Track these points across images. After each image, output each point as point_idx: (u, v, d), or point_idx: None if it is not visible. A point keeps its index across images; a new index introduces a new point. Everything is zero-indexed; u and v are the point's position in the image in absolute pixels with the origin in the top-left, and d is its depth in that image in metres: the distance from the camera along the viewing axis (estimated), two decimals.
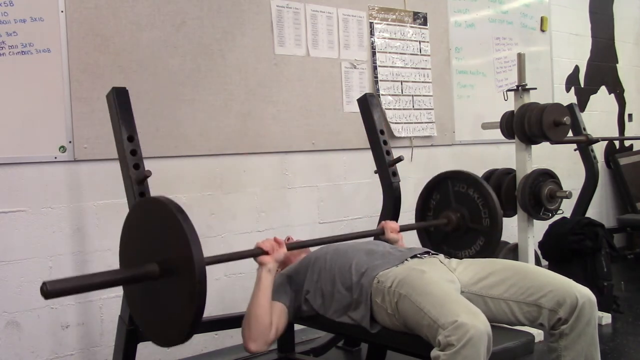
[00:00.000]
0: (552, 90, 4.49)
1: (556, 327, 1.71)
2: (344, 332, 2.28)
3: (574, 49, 4.74)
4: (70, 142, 2.44)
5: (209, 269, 2.91)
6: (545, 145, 3.14)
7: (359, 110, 2.74)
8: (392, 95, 3.48)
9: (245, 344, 1.86)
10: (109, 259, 2.52)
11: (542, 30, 4.44)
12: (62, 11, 2.42)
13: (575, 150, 3.75)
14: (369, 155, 2.71)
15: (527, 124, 2.90)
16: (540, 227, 3.29)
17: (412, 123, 3.55)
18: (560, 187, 2.97)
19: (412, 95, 3.58)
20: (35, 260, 2.38)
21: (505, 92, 3.11)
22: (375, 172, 2.66)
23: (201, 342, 2.78)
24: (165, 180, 2.59)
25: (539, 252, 3.34)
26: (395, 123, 3.47)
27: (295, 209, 3.11)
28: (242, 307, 2.53)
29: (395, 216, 2.60)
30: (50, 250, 2.40)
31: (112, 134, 2.05)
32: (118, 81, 2.45)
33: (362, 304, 1.83)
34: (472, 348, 1.47)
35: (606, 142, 4.91)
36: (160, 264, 1.48)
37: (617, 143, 5.13)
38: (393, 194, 2.58)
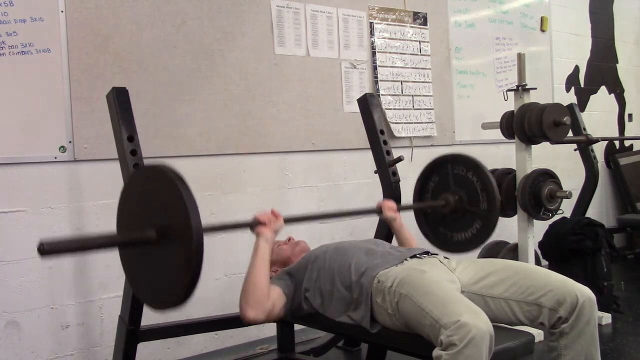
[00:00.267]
0: (552, 90, 4.49)
1: (556, 326, 1.71)
2: (344, 332, 2.28)
3: (574, 49, 4.74)
4: (70, 142, 2.44)
5: (210, 269, 2.92)
6: (545, 145, 3.14)
7: (359, 110, 2.74)
8: (392, 95, 3.49)
9: (242, 312, 1.87)
10: (109, 259, 2.52)
11: (542, 30, 4.44)
12: (62, 11, 2.42)
13: (575, 150, 3.75)
14: (369, 155, 2.70)
15: (527, 124, 2.90)
16: (540, 227, 3.29)
17: (412, 123, 3.55)
18: (560, 187, 2.97)
19: (412, 95, 3.58)
20: (35, 260, 2.38)
21: (505, 92, 3.11)
22: (375, 172, 2.66)
23: (201, 342, 2.78)
24: None
25: (539, 252, 3.34)
26: (395, 123, 3.47)
27: (295, 209, 3.11)
28: None
29: None
30: None
31: (112, 134, 2.05)
32: (118, 81, 2.44)
33: (362, 304, 1.83)
34: (474, 348, 1.47)
35: (606, 142, 4.91)
36: (157, 230, 1.47)
37: (617, 143, 5.13)
38: (393, 194, 2.58)
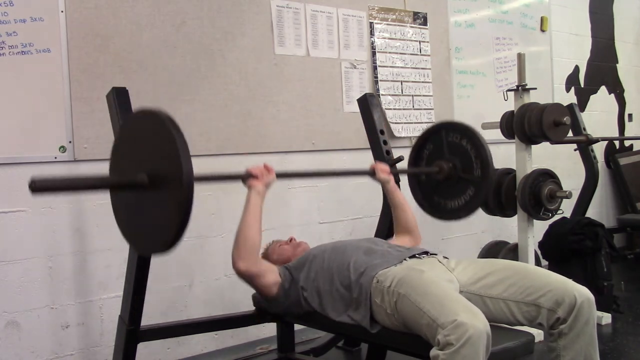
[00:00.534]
0: (552, 90, 4.49)
1: (555, 327, 1.71)
2: (343, 332, 2.28)
3: (574, 49, 4.74)
4: (70, 142, 2.44)
5: (209, 269, 2.92)
6: (545, 145, 3.14)
7: (359, 110, 2.74)
8: (392, 95, 3.49)
9: (233, 263, 1.90)
10: (109, 259, 2.52)
11: (542, 30, 4.44)
12: (62, 11, 2.42)
13: (575, 150, 3.75)
14: (369, 155, 2.70)
15: (527, 124, 2.90)
16: (540, 227, 3.29)
17: (412, 123, 3.55)
18: (560, 187, 2.97)
19: (412, 95, 3.58)
20: (35, 260, 2.38)
21: (505, 92, 3.11)
22: None
23: (201, 342, 2.78)
24: None
25: (539, 252, 3.34)
26: (395, 123, 3.47)
27: (295, 209, 3.11)
28: (242, 307, 2.54)
29: None
30: (50, 250, 2.40)
31: (112, 134, 2.05)
32: (118, 81, 2.44)
33: (362, 304, 1.83)
34: (471, 347, 1.47)
35: (606, 142, 4.91)
36: (149, 174, 1.47)
37: (617, 143, 5.13)
38: None
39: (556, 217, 3.17)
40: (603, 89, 5.00)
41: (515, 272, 1.83)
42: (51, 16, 2.40)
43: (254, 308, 2.29)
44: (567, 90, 4.67)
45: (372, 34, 3.42)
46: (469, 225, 3.92)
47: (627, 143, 5.19)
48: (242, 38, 2.92)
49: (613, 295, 3.27)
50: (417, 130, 3.57)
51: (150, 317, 2.46)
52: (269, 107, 3.00)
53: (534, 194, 2.92)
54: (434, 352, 1.53)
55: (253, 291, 2.31)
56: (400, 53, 3.54)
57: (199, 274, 2.79)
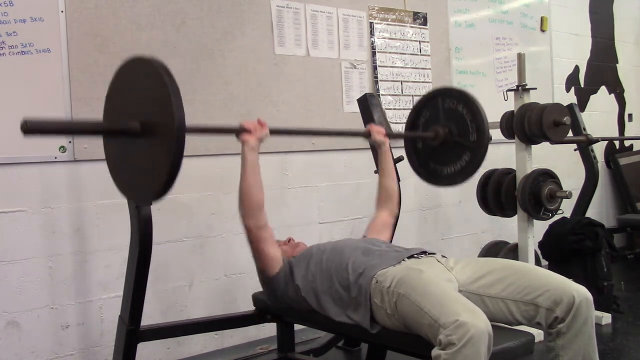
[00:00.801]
0: (552, 90, 4.49)
1: (553, 326, 1.71)
2: (343, 332, 2.28)
3: (574, 49, 4.74)
4: (70, 142, 2.44)
5: (209, 269, 2.92)
6: (545, 145, 3.14)
7: (359, 110, 2.74)
8: (392, 95, 3.49)
9: (242, 220, 1.93)
10: (109, 259, 2.52)
11: (542, 30, 4.44)
12: (62, 11, 2.42)
13: (575, 150, 3.75)
14: (368, 155, 2.70)
15: (527, 124, 2.90)
16: (540, 227, 3.29)
17: None
18: (560, 187, 2.97)
19: (412, 95, 3.58)
20: (35, 260, 2.38)
21: (505, 92, 3.11)
22: (375, 172, 2.65)
23: (201, 342, 2.78)
24: None
25: (539, 252, 3.34)
26: (395, 123, 3.47)
27: (295, 209, 3.11)
28: (242, 307, 2.54)
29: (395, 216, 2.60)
30: (50, 250, 2.41)
31: None
32: None
33: (362, 305, 1.83)
34: (473, 347, 1.47)
35: (606, 142, 4.91)
36: (142, 123, 1.48)
37: (617, 143, 5.13)
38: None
39: (556, 217, 3.17)
40: (603, 89, 5.00)
41: (513, 272, 1.83)
42: (51, 16, 2.40)
43: (254, 308, 2.29)
44: (567, 90, 4.67)
45: (372, 34, 3.42)
46: (469, 225, 3.92)
47: (627, 143, 5.20)
48: (242, 38, 2.92)
49: (613, 295, 3.27)
50: None
51: (150, 317, 2.46)
52: (269, 107, 3.00)
53: (534, 194, 2.92)
54: (435, 352, 1.53)
55: (253, 291, 2.31)
56: (400, 53, 3.55)
57: (199, 274, 2.79)
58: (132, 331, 2.00)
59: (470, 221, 3.90)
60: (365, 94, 2.71)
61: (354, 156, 3.32)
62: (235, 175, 2.90)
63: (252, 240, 1.99)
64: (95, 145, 2.46)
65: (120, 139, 1.56)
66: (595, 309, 1.77)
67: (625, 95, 5.21)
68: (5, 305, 2.32)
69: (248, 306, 2.32)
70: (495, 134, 3.16)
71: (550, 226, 3.39)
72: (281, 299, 2.06)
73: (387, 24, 3.50)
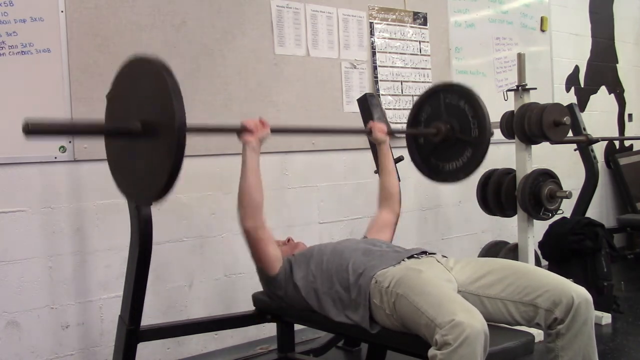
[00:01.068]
0: (552, 90, 4.49)
1: (553, 327, 1.71)
2: (343, 332, 2.28)
3: (574, 49, 4.74)
4: (70, 142, 2.44)
5: (209, 269, 2.91)
6: (545, 145, 3.14)
7: (359, 110, 2.74)
8: (392, 95, 3.49)
9: (241, 221, 1.92)
10: (108, 259, 2.52)
11: (542, 30, 4.44)
12: (62, 11, 2.42)
13: (575, 150, 3.75)
14: (369, 155, 2.70)
15: (527, 124, 2.90)
16: (540, 227, 3.29)
17: None
18: (560, 187, 2.97)
19: (412, 95, 3.58)
20: (35, 260, 2.38)
21: (505, 92, 3.11)
22: (375, 172, 2.66)
23: (201, 342, 2.78)
24: None
25: (539, 252, 3.34)
26: (396, 123, 3.47)
27: (295, 209, 3.11)
28: (242, 307, 2.54)
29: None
30: (50, 250, 2.41)
31: None
32: None
33: (361, 305, 1.83)
34: (469, 347, 1.47)
35: (606, 142, 4.91)
36: (143, 122, 1.47)
37: (617, 143, 5.13)
38: None
39: (556, 217, 3.17)
40: (603, 89, 5.00)
41: (513, 272, 1.83)
42: (51, 16, 2.40)
43: (254, 308, 2.29)
44: (567, 90, 4.67)
45: (372, 34, 3.42)
46: (469, 225, 3.92)
47: (627, 143, 5.19)
48: (242, 38, 2.92)
49: (613, 295, 3.27)
50: None
51: (150, 317, 2.46)
52: (269, 107, 3.00)
53: (534, 194, 2.92)
54: (431, 352, 1.53)
55: (253, 291, 2.31)
56: (400, 53, 3.55)
57: (199, 274, 2.79)
58: (132, 331, 2.01)
59: (470, 221, 3.90)
60: (365, 94, 2.71)
61: (354, 156, 3.32)
62: (235, 175, 2.90)
63: (251, 242, 1.99)
64: (95, 146, 2.47)
65: (122, 139, 1.55)
66: (595, 309, 1.77)
67: (625, 95, 5.20)
68: (5, 305, 2.32)
69: (248, 306, 2.32)
70: (495, 134, 3.17)
71: (550, 226, 3.39)
72: (282, 298, 2.06)
73: (387, 24, 3.50)
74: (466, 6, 3.93)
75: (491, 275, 1.84)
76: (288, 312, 2.16)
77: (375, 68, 3.41)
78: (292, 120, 3.08)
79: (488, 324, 1.55)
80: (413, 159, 2.55)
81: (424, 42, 3.67)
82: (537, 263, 3.20)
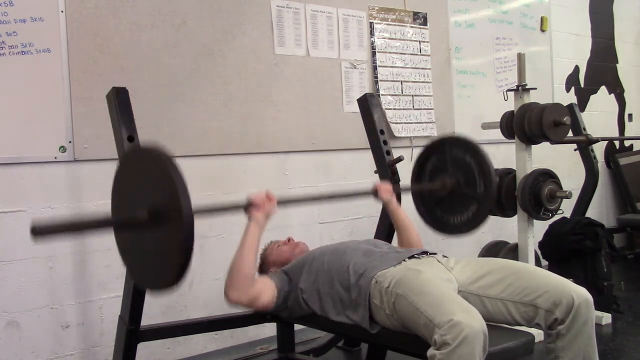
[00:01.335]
0: (552, 90, 4.49)
1: (553, 328, 1.71)
2: (343, 332, 2.28)
3: (574, 49, 4.74)
4: (70, 142, 2.44)
5: (209, 269, 2.91)
6: (545, 145, 3.14)
7: (359, 110, 2.74)
8: (392, 95, 3.49)
9: (225, 292, 1.88)
10: (108, 259, 2.52)
11: (542, 30, 4.44)
12: (62, 11, 2.42)
13: (575, 150, 3.75)
14: (369, 155, 2.70)
15: (527, 124, 2.90)
16: (540, 227, 3.29)
17: (412, 123, 3.55)
18: (560, 187, 2.97)
19: (412, 95, 3.58)
20: (35, 260, 2.38)
21: (505, 92, 3.11)
22: (375, 172, 2.66)
23: (201, 342, 2.78)
24: None
25: (539, 252, 3.34)
26: (395, 123, 3.47)
27: (295, 209, 3.11)
28: (241, 307, 2.53)
29: None
30: (50, 250, 2.40)
31: (112, 134, 2.05)
32: (118, 81, 2.44)
33: (361, 305, 1.83)
34: (468, 347, 1.47)
35: (606, 142, 4.91)
36: (150, 211, 1.48)
37: (617, 143, 5.13)
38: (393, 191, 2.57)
39: (556, 217, 3.17)
40: (603, 89, 5.00)
41: (513, 272, 1.83)
42: (51, 16, 2.40)
43: None
44: (567, 90, 4.67)
45: (372, 34, 3.42)
46: None
47: (627, 143, 5.19)
48: (242, 38, 2.92)
49: (613, 295, 3.27)
50: (417, 130, 3.58)
51: (150, 317, 2.46)
52: (269, 107, 3.00)
53: (534, 194, 2.92)
54: (430, 351, 1.53)
55: None
56: (400, 53, 3.54)
57: (198, 274, 2.79)
58: (132, 331, 2.01)
59: None
60: (365, 94, 2.71)
61: (354, 156, 3.32)
62: (235, 175, 2.92)
63: (241, 307, 1.96)
64: (95, 145, 2.48)
65: (130, 230, 1.56)
66: (595, 309, 1.77)
67: (625, 95, 5.20)
68: (5, 305, 2.32)
69: None
70: (495, 134, 3.17)
71: (550, 226, 3.39)
72: (287, 312, 2.06)
73: (387, 24, 3.50)
74: (466, 6, 3.93)
75: (491, 275, 1.85)
76: (289, 315, 2.15)
77: (375, 68, 3.41)
78: (292, 120, 3.08)
79: (488, 324, 1.55)
80: (417, 209, 2.55)
81: (424, 42, 3.67)
82: (537, 263, 3.20)
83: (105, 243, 2.50)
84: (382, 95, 3.41)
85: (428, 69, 3.67)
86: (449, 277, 1.86)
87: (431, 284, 1.70)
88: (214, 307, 2.79)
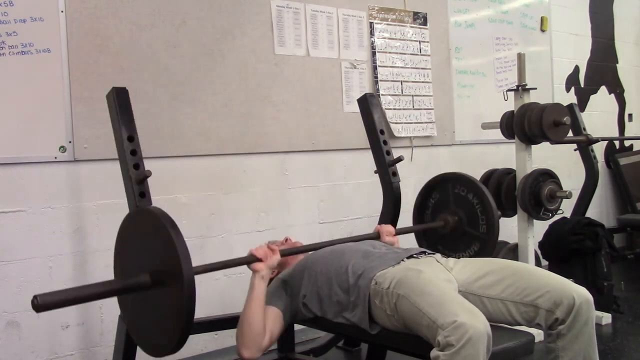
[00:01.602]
0: (552, 90, 4.49)
1: (553, 328, 1.71)
2: (343, 333, 2.28)
3: (574, 49, 4.74)
4: (70, 142, 2.44)
5: None
6: (545, 145, 3.14)
7: (359, 110, 2.74)
8: (392, 95, 3.49)
9: (238, 351, 1.86)
10: (108, 259, 2.51)
11: (542, 30, 4.44)
12: (62, 11, 2.42)
13: (575, 150, 3.75)
14: (369, 155, 2.70)
15: (527, 124, 2.90)
16: (540, 227, 3.29)
17: (412, 123, 3.55)
18: (560, 187, 2.98)
19: (412, 95, 3.58)
20: (35, 260, 2.38)
21: (505, 92, 3.11)
22: (375, 172, 2.66)
23: (201, 342, 2.78)
24: (165, 181, 2.59)
25: (539, 252, 3.34)
26: (395, 123, 3.47)
27: (295, 209, 3.11)
28: (242, 307, 2.53)
29: (395, 216, 2.60)
30: (50, 250, 2.40)
31: (112, 134, 2.05)
32: (118, 81, 2.44)
33: (360, 306, 1.83)
34: (472, 348, 1.47)
35: (606, 142, 4.91)
36: (152, 274, 1.50)
37: (617, 143, 5.13)
38: (393, 194, 2.58)
39: (556, 217, 3.17)
40: (603, 89, 5.00)
41: (513, 272, 1.83)
42: (51, 16, 2.39)
43: None
44: (567, 90, 4.67)
45: (372, 34, 3.42)
46: None
47: (627, 143, 5.20)
48: (242, 38, 2.92)
49: (613, 295, 3.27)
50: (417, 130, 3.58)
51: None
52: (269, 107, 3.00)
53: (534, 194, 2.92)
54: (434, 353, 1.53)
55: None
56: (400, 53, 3.54)
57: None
58: None
59: None
60: (365, 94, 2.71)
61: (354, 156, 3.32)
62: (235, 175, 2.92)
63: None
64: (95, 145, 2.48)
65: (133, 295, 1.58)
66: (595, 309, 1.77)
67: (625, 95, 5.20)
68: (5, 305, 2.32)
69: None
70: (495, 134, 3.17)
71: (550, 226, 3.39)
72: (292, 318, 2.06)
73: (387, 24, 3.50)
74: (466, 6, 3.93)
75: (491, 275, 1.85)
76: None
77: (375, 68, 3.41)
78: (292, 120, 3.08)
79: None
80: (419, 245, 2.57)
81: (424, 42, 3.67)
82: (537, 263, 3.20)
83: (105, 243, 2.51)
84: (382, 95, 3.41)
85: (428, 69, 3.67)
86: (448, 277, 1.86)
87: (433, 284, 1.70)
88: (214, 307, 2.79)
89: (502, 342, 1.72)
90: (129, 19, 2.58)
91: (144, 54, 2.62)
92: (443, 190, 2.50)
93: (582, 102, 4.75)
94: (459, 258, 2.33)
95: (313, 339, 2.91)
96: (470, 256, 2.40)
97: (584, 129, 3.66)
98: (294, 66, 3.10)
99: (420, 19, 3.66)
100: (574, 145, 3.72)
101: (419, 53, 3.63)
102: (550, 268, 3.23)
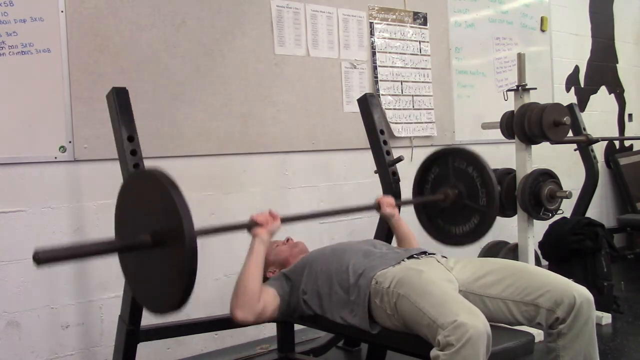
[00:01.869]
0: (552, 90, 4.49)
1: (554, 327, 1.72)
2: (343, 332, 2.28)
3: (574, 49, 4.74)
4: (70, 142, 2.44)
5: (209, 269, 2.92)
6: (545, 145, 3.14)
7: (359, 110, 2.74)
8: (392, 95, 3.49)
9: (232, 312, 1.87)
10: (109, 259, 2.51)
11: (542, 30, 4.44)
12: (62, 11, 2.42)
13: (575, 150, 3.75)
14: (369, 155, 2.70)
15: (527, 124, 2.90)
16: (540, 227, 3.29)
17: (412, 123, 3.55)
18: (560, 187, 2.98)
19: (412, 95, 3.58)
20: None
21: (505, 92, 3.11)
22: (375, 172, 2.66)
23: (201, 342, 2.78)
24: None
25: (539, 252, 3.34)
26: (395, 123, 3.47)
27: (295, 209, 3.11)
28: None
29: None
30: None
31: (112, 134, 2.05)
32: (118, 81, 2.44)
33: (360, 306, 1.83)
34: (472, 348, 1.47)
35: (606, 142, 4.91)
36: (152, 234, 1.49)
37: (617, 143, 5.13)
38: (393, 194, 2.58)
39: (556, 217, 3.17)
40: (603, 89, 5.00)
41: (513, 272, 1.83)
42: (51, 16, 2.40)
43: None
44: (567, 90, 4.67)
45: (372, 34, 3.42)
46: None
47: (627, 143, 5.20)
48: (242, 38, 2.92)
49: (613, 295, 3.27)
50: (417, 130, 3.58)
51: (150, 317, 2.45)
52: (269, 107, 3.00)
53: (534, 194, 2.92)
54: (434, 352, 1.53)
55: None
56: (400, 53, 3.54)
57: (198, 274, 2.77)
58: (132, 331, 2.01)
59: None
60: (365, 94, 2.71)
61: (354, 156, 3.32)
62: (235, 175, 2.92)
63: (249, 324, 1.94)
64: (95, 145, 2.48)
65: (134, 254, 1.58)
66: (595, 309, 1.77)
67: (625, 95, 5.20)
68: (5, 305, 2.32)
69: None
70: (495, 134, 3.17)
71: (550, 226, 3.39)
72: (288, 314, 2.06)
73: (387, 24, 3.50)
74: (466, 6, 3.93)
75: (491, 275, 1.85)
76: (290, 317, 2.15)
77: (375, 68, 3.41)
78: (292, 120, 3.08)
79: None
80: (419, 219, 2.56)
81: (424, 42, 3.67)
82: (537, 263, 3.20)
83: None
84: (382, 95, 3.41)
85: (428, 69, 3.67)
86: (449, 277, 1.86)
87: (433, 284, 1.70)
88: (214, 307, 2.78)
89: (502, 342, 1.72)
90: (129, 19, 2.58)
91: (144, 54, 2.62)
92: (443, 165, 2.47)
93: (582, 102, 4.75)
94: (459, 231, 2.36)
95: (313, 339, 2.91)
96: (471, 229, 2.38)
97: (584, 129, 3.66)
98: (294, 66, 3.10)
99: (420, 19, 3.66)
100: (574, 145, 3.72)
101: (419, 53, 3.63)
102: (550, 268, 3.23)
